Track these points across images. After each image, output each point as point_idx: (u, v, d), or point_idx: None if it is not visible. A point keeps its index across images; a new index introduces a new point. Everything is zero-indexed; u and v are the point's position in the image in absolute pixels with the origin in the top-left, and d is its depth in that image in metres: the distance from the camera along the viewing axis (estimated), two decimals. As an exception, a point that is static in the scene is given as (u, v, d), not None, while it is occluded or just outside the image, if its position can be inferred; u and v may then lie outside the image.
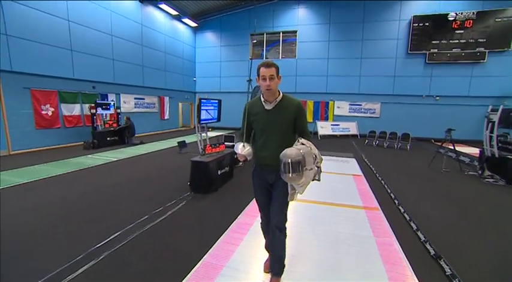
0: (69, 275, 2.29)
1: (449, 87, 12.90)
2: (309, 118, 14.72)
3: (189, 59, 16.14)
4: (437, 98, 13.17)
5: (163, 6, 12.85)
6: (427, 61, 12.97)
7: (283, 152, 1.68)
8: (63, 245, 2.80)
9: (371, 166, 6.83)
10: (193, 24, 15.46)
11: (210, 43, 16.20)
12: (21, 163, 6.38)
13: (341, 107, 14.44)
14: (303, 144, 1.78)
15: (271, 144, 1.96)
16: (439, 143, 8.44)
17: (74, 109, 9.39)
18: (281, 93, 2.00)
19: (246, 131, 2.11)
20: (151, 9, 12.67)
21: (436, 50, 12.88)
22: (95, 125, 9.20)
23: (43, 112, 8.35)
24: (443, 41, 12.76)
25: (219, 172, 4.78)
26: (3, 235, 2.97)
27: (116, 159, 7.17)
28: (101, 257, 2.58)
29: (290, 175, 1.62)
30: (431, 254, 2.69)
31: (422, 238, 3.00)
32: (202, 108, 4.47)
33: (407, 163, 7.56)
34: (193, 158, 4.48)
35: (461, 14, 12.35)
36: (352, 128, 13.79)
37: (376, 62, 13.59)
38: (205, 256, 2.60)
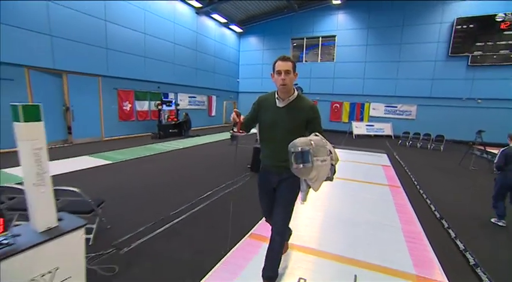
0: (191, 210, 3.75)
1: (493, 89, 12.77)
2: (345, 118, 15.49)
3: (233, 61, 17.79)
4: (480, 100, 13.11)
5: (215, 15, 14.56)
6: (469, 63, 12.98)
7: (292, 141, 1.52)
8: (181, 195, 4.31)
9: (400, 161, 7.65)
10: (239, 30, 17.05)
11: (253, 47, 17.67)
12: (116, 146, 8.33)
13: (376, 109, 14.96)
14: (316, 135, 1.65)
15: (277, 144, 1.85)
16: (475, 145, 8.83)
17: (144, 105, 11.41)
18: (296, 92, 1.88)
19: (248, 121, 2.05)
20: (204, 19, 14.42)
21: (480, 52, 12.83)
22: (160, 119, 11.10)
23: (124, 107, 10.41)
24: (489, 43, 12.66)
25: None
26: (140, 187, 4.59)
27: (181, 147, 8.86)
28: (206, 203, 4.02)
29: (300, 166, 1.47)
30: (437, 216, 3.70)
31: (433, 208, 3.99)
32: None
33: (437, 161, 8.18)
34: (255, 145, 5.83)
35: (511, 14, 12.19)
36: (386, 129, 14.28)
37: (414, 65, 13.89)
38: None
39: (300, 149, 1.47)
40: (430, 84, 13.80)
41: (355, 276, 2.18)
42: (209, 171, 5.91)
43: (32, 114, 1.65)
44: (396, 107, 14.56)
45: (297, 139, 1.53)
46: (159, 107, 11.08)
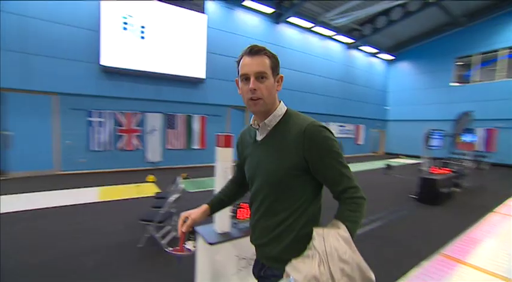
0: (370, 226, 4.40)
1: None
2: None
3: (381, 89, 17.52)
4: None
5: (364, 47, 15.19)
6: None
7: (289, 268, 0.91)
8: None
9: None
10: (390, 58, 16.74)
11: (404, 72, 16.78)
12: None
13: None
14: (338, 227, 0.94)
15: (258, 207, 1.10)
16: None
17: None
18: (281, 109, 1.10)
19: (236, 173, 1.35)
20: (353, 52, 15.33)
21: None
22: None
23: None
24: None
25: (442, 190, 5.82)
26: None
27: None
28: (384, 221, 4.57)
29: None
30: None
31: None
32: (431, 136, 5.82)
33: None
34: (423, 175, 5.85)
35: None
36: None
37: None
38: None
39: None
40: None
41: None
42: (372, 197, 6.35)
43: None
44: None
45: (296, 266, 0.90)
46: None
